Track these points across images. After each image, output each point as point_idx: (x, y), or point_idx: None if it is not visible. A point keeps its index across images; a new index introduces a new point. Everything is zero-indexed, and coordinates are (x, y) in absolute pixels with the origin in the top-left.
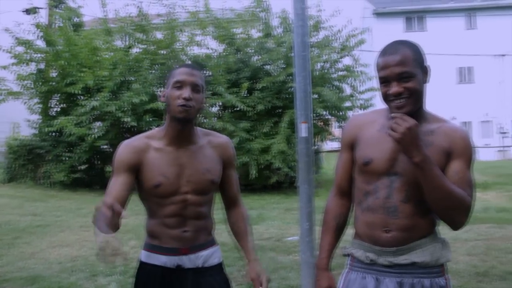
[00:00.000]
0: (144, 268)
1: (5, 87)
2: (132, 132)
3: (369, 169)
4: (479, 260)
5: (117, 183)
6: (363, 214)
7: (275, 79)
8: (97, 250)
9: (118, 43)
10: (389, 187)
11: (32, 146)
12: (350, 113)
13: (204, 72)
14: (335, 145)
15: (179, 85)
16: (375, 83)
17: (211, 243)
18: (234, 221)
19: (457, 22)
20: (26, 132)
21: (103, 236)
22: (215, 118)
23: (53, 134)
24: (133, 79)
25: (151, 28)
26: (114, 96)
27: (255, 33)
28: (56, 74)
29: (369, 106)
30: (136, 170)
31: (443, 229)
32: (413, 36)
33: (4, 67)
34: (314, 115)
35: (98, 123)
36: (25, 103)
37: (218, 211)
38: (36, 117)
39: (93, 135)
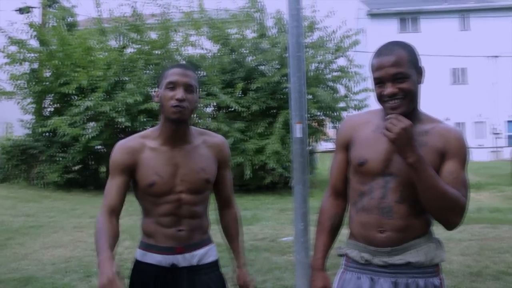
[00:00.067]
0: (139, 267)
1: None
2: (126, 132)
3: (364, 169)
4: (472, 260)
5: (114, 186)
6: (358, 214)
7: (270, 80)
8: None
9: (112, 43)
10: (384, 187)
11: (25, 147)
12: (344, 114)
13: (198, 72)
14: (329, 145)
15: (172, 86)
16: (369, 84)
17: (206, 242)
18: (227, 222)
19: (451, 24)
20: (20, 132)
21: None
22: (210, 119)
23: (47, 134)
24: (127, 79)
25: (146, 28)
26: (108, 96)
27: (250, 34)
28: (50, 74)
29: (363, 106)
30: (131, 170)
31: (437, 229)
32: (407, 37)
33: None
34: (309, 115)
35: (92, 123)
36: (18, 103)
37: (211, 212)
38: (29, 117)
39: (87, 136)
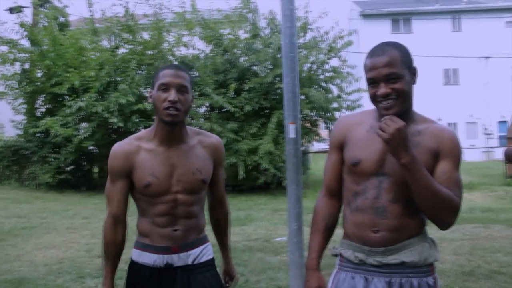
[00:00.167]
0: (134, 267)
1: None
2: (119, 132)
3: (358, 169)
4: (465, 260)
5: (115, 191)
6: (352, 214)
7: (263, 80)
8: None
9: (105, 43)
10: (377, 187)
11: (17, 147)
12: (337, 114)
13: (191, 72)
14: (322, 146)
15: (165, 87)
16: (362, 84)
17: (201, 241)
18: (218, 219)
19: (443, 24)
20: (11, 132)
21: None
22: (203, 119)
23: (39, 135)
24: (119, 79)
25: (138, 29)
26: (100, 97)
27: (243, 34)
28: (42, 74)
29: (356, 107)
30: (129, 173)
31: (429, 229)
32: (399, 38)
33: None
34: (302, 116)
35: (84, 124)
36: (9, 103)
37: (206, 212)
38: (21, 118)
39: (79, 136)
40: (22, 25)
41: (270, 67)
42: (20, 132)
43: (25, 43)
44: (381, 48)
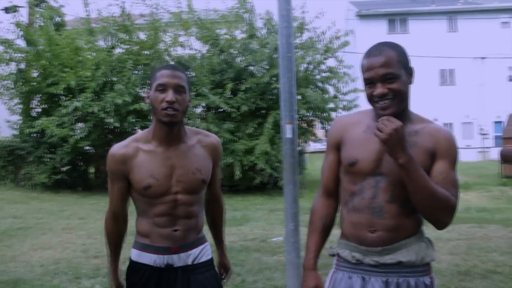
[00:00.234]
0: (134, 267)
1: None
2: (115, 133)
3: (355, 169)
4: (460, 259)
5: (115, 190)
6: (349, 214)
7: (259, 80)
8: None
9: (101, 43)
10: (374, 187)
11: (12, 147)
12: (333, 114)
13: (187, 72)
14: (318, 146)
15: (162, 88)
16: (359, 84)
17: (200, 241)
18: (214, 215)
19: (439, 25)
20: (7, 133)
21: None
22: (199, 119)
23: (35, 135)
24: (116, 79)
25: (134, 29)
26: (97, 97)
27: (239, 34)
28: (37, 74)
29: (353, 107)
30: (127, 176)
31: (425, 229)
32: (396, 38)
33: None
34: (298, 116)
35: (80, 124)
36: (5, 103)
37: None
38: (16, 118)
39: (75, 136)
40: (17, 25)
41: (267, 67)
42: (16, 132)
43: (21, 43)
44: (377, 48)
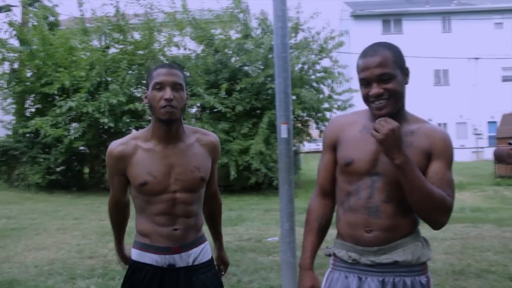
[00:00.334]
0: (136, 266)
1: None
2: (110, 133)
3: (351, 169)
4: (455, 259)
5: (115, 183)
6: (345, 214)
7: (254, 80)
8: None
9: (95, 43)
10: (370, 187)
11: (6, 148)
12: (328, 114)
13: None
14: (313, 146)
15: (159, 86)
16: (353, 84)
17: (200, 240)
18: (212, 210)
19: (433, 26)
20: (0, 133)
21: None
22: (194, 119)
23: (29, 135)
24: (110, 79)
25: (129, 28)
26: (91, 97)
27: (234, 34)
28: (31, 74)
29: (347, 107)
30: (124, 172)
31: (421, 229)
32: (390, 39)
33: None
34: (293, 116)
35: (75, 124)
36: None
37: None
38: (10, 118)
39: (70, 136)
40: (11, 24)
41: (262, 67)
42: (10, 132)
43: (14, 42)
44: (373, 48)
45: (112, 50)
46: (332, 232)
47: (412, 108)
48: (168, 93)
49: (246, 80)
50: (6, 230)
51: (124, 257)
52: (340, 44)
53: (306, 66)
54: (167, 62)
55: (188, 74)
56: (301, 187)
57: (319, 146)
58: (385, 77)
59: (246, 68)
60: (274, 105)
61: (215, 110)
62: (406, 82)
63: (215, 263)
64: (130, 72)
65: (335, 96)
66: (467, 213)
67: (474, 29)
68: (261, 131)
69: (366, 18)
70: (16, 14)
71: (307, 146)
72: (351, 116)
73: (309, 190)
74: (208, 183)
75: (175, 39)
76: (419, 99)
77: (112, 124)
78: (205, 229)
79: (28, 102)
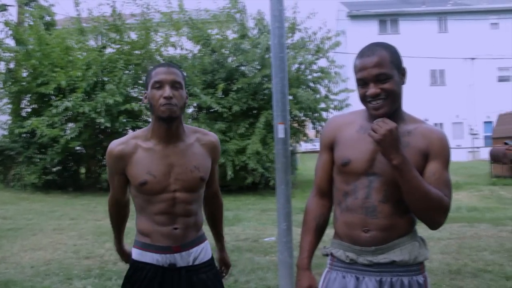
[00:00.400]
0: (136, 266)
1: None
2: (106, 133)
3: (348, 169)
4: (452, 258)
5: (115, 182)
6: (342, 214)
7: (251, 81)
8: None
9: (92, 43)
10: (368, 187)
11: (2, 148)
12: (325, 114)
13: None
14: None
15: (159, 85)
16: (349, 84)
17: (200, 239)
18: (213, 210)
19: (430, 26)
20: None
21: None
22: (191, 119)
23: (25, 135)
24: (107, 79)
25: (125, 28)
26: (87, 97)
27: (231, 34)
28: (27, 74)
29: (344, 107)
30: (124, 171)
31: (417, 228)
32: (386, 39)
33: None
34: (290, 116)
35: (71, 124)
36: None
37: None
38: (6, 118)
39: (66, 137)
40: (6, 24)
41: (258, 67)
42: (5, 132)
43: (10, 42)
44: (370, 48)
45: (108, 50)
46: (329, 232)
47: (408, 108)
48: (167, 91)
49: (242, 80)
50: (2, 231)
51: (124, 254)
52: (337, 44)
53: (302, 66)
54: (163, 61)
55: (185, 74)
56: (297, 187)
57: (315, 146)
58: (382, 77)
59: (243, 68)
60: (270, 105)
61: (212, 110)
62: (403, 82)
63: (216, 264)
64: (127, 72)
65: (332, 96)
66: (464, 213)
67: (470, 30)
68: (257, 131)
69: (362, 18)
70: (12, 14)
71: (303, 146)
72: (348, 116)
73: (305, 190)
74: (208, 183)
75: (172, 39)
76: (415, 99)
77: (108, 124)
78: (206, 229)
79: (24, 102)
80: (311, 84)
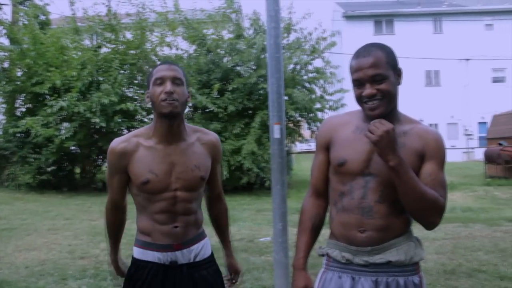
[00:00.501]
0: (138, 265)
1: None
2: (101, 133)
3: (344, 169)
4: (446, 258)
5: (115, 182)
6: (338, 214)
7: (246, 81)
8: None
9: (87, 42)
10: (364, 187)
11: None
12: (320, 115)
13: None
14: (305, 146)
15: (160, 81)
16: (345, 84)
17: (200, 236)
18: (218, 214)
19: (425, 26)
20: None
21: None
22: (186, 119)
23: (19, 135)
24: (102, 79)
25: (121, 28)
26: (82, 97)
27: (226, 34)
28: (22, 73)
29: (339, 107)
30: (126, 170)
31: (413, 228)
32: (382, 40)
33: None
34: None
35: (66, 124)
36: None
37: (204, 210)
38: (0, 118)
39: (61, 136)
40: (1, 23)
41: (254, 67)
42: (0, 132)
43: (5, 41)
44: (366, 49)
45: (103, 50)
46: (324, 232)
47: (403, 109)
48: (168, 86)
49: (238, 80)
50: None
51: (118, 269)
52: (332, 44)
53: (298, 67)
54: (159, 62)
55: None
56: (293, 187)
57: (311, 146)
58: (378, 77)
59: (238, 68)
60: (266, 105)
61: (207, 110)
62: (399, 83)
63: (227, 271)
64: (122, 72)
65: (327, 97)
66: (458, 213)
67: (465, 30)
68: (253, 131)
69: (358, 18)
70: (6, 13)
71: (299, 147)
72: (344, 116)
73: (301, 190)
74: (211, 185)
75: (167, 39)
76: (410, 100)
77: (103, 124)
78: (206, 229)
79: (19, 102)
80: (307, 85)
